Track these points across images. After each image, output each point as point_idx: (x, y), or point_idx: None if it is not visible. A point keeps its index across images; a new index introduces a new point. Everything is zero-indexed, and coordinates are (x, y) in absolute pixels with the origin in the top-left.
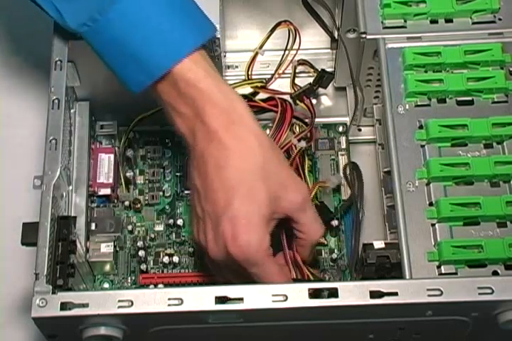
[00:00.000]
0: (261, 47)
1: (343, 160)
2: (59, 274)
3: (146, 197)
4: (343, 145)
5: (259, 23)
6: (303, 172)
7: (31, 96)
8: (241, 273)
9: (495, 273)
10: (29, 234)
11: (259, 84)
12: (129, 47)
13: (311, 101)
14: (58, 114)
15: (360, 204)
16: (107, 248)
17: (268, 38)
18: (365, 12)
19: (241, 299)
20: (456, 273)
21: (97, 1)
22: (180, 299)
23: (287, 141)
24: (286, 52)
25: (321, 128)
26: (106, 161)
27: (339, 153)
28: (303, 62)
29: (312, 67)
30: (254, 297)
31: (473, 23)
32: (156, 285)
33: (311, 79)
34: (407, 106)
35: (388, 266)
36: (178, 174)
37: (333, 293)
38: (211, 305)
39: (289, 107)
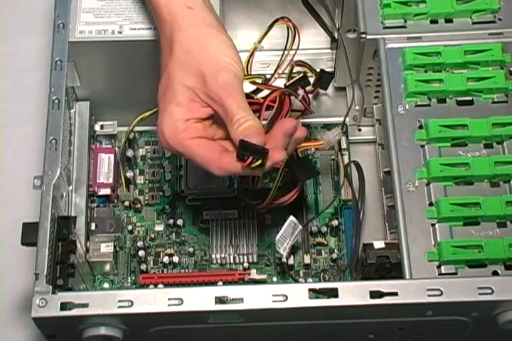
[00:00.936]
0: (260, 41)
1: (343, 160)
2: (59, 274)
3: (146, 197)
4: (343, 145)
5: (258, 23)
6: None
7: (31, 96)
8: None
9: (495, 273)
10: (29, 234)
11: (257, 80)
12: None
13: (305, 90)
14: (58, 114)
15: (362, 203)
16: (107, 248)
17: (266, 33)
18: (365, 12)
19: (241, 299)
20: (456, 273)
21: None
22: (180, 299)
23: None
24: (286, 51)
25: (321, 128)
26: (106, 161)
27: (339, 153)
28: (301, 64)
29: (310, 68)
30: (254, 297)
31: (473, 23)
32: (156, 285)
33: (310, 80)
34: (407, 106)
35: (388, 266)
36: (178, 174)
37: (333, 293)
38: (211, 305)
39: (288, 99)
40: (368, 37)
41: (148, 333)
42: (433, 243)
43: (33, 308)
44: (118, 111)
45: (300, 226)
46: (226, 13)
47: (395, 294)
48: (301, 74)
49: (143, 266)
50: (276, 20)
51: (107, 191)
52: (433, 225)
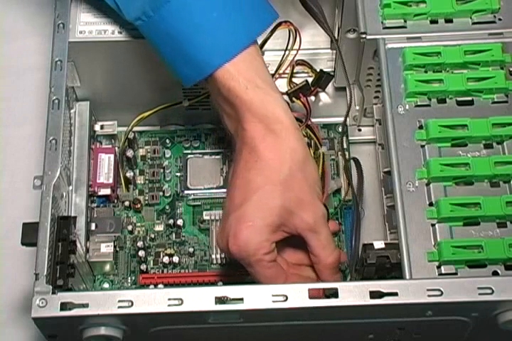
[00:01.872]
0: (261, 47)
1: (343, 160)
2: (59, 274)
3: (146, 197)
4: (343, 145)
5: None
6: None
7: (31, 96)
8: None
9: (495, 274)
10: (29, 234)
11: None
12: (180, 43)
13: (307, 99)
14: (58, 114)
15: (360, 200)
16: (107, 248)
17: (268, 38)
18: (365, 12)
19: (241, 299)
20: (456, 274)
21: None
22: (181, 299)
23: None
24: (287, 52)
25: (321, 128)
26: (106, 161)
27: (339, 153)
28: (301, 63)
29: (311, 67)
30: (254, 297)
31: (473, 23)
32: (156, 286)
33: (310, 80)
34: (407, 106)
35: (388, 266)
36: (178, 174)
37: (333, 293)
38: (211, 305)
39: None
40: (368, 37)
41: (148, 333)
42: (433, 243)
43: (33, 308)
44: (118, 111)
45: None
46: None
47: (395, 294)
48: (304, 82)
49: (143, 266)
50: (278, 25)
51: (107, 191)
52: (433, 225)
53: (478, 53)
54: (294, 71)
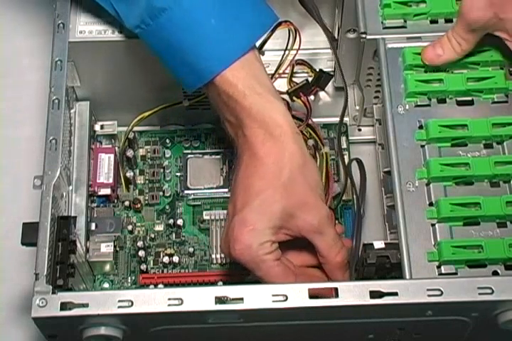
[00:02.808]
0: (261, 47)
1: (343, 161)
2: (59, 274)
3: (146, 197)
4: (343, 145)
5: None
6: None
7: (31, 96)
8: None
9: (495, 273)
10: (29, 234)
11: None
12: (179, 50)
13: (307, 98)
14: (58, 114)
15: (362, 200)
16: (107, 248)
17: (268, 38)
18: (365, 12)
19: (241, 299)
20: (456, 273)
21: (148, 7)
22: (181, 299)
23: None
24: (287, 52)
25: (321, 128)
26: (106, 161)
27: (339, 153)
28: (301, 62)
29: (310, 67)
30: (254, 297)
31: None
32: (156, 285)
33: (309, 79)
34: (407, 106)
35: (388, 266)
36: (178, 174)
37: (335, 293)
38: (211, 305)
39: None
40: (368, 37)
41: (148, 333)
42: (433, 243)
43: (33, 308)
44: (118, 111)
45: None
46: None
47: (395, 294)
48: (304, 82)
49: (143, 266)
50: (278, 25)
51: (107, 191)
52: (433, 225)
53: (478, 53)
54: (294, 71)
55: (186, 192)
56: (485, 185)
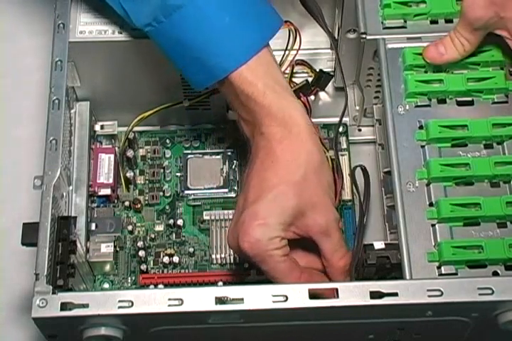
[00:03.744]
0: None
1: (343, 161)
2: (59, 274)
3: (146, 197)
4: (343, 146)
5: None
6: None
7: (31, 96)
8: (259, 268)
9: (495, 274)
10: (29, 234)
11: None
12: (192, 48)
13: (307, 98)
14: (58, 115)
15: (366, 207)
16: (107, 248)
17: None
18: (365, 12)
19: (241, 299)
20: (456, 274)
21: (162, 5)
22: (181, 299)
23: None
24: (287, 52)
25: (321, 128)
26: (106, 161)
27: (339, 153)
28: (301, 62)
29: (310, 67)
30: (255, 297)
31: None
32: (156, 286)
33: (309, 79)
34: (407, 107)
35: (388, 267)
36: (178, 174)
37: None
38: (211, 306)
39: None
40: (368, 37)
41: (148, 333)
42: (433, 243)
43: (33, 308)
44: (118, 111)
45: None
46: None
47: (395, 294)
48: (304, 82)
49: (143, 266)
50: None
51: (107, 191)
52: (433, 225)
53: (478, 53)
54: (294, 71)
55: (186, 192)
56: (485, 185)
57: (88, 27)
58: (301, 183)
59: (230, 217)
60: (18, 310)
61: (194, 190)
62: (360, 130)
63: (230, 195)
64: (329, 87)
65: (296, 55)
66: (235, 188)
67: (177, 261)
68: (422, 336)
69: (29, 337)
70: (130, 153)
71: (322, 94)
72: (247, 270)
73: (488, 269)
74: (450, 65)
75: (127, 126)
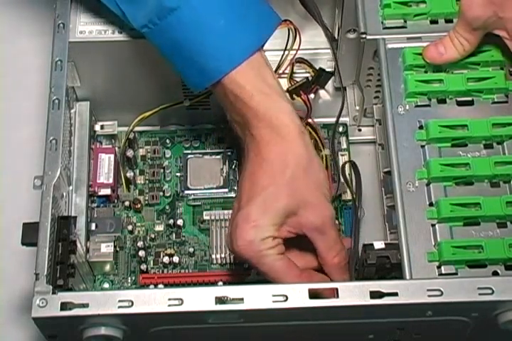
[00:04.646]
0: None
1: (343, 161)
2: (59, 274)
3: (146, 197)
4: (343, 146)
5: None
6: None
7: (31, 96)
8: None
9: (495, 274)
10: (29, 234)
11: None
12: (186, 50)
13: (307, 96)
14: (58, 115)
15: (359, 203)
16: (107, 248)
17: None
18: (365, 12)
19: (241, 299)
20: (456, 274)
21: (157, 7)
22: (181, 299)
23: None
24: (286, 52)
25: (321, 128)
26: (106, 161)
27: (339, 153)
28: (301, 60)
29: (310, 65)
30: (255, 297)
31: None
32: (156, 286)
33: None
34: (407, 107)
35: (388, 267)
36: (178, 174)
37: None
38: (211, 306)
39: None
40: (368, 37)
41: (148, 333)
42: (433, 243)
43: (33, 308)
44: (118, 111)
45: None
46: None
47: (395, 294)
48: (304, 80)
49: (143, 266)
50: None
51: (107, 191)
52: (433, 225)
53: (478, 53)
54: (294, 70)
55: (186, 192)
56: (485, 185)
57: (88, 27)
58: (290, 183)
59: (230, 216)
60: (18, 310)
61: (194, 190)
62: (360, 130)
63: (230, 195)
64: (329, 86)
65: (295, 54)
66: (235, 188)
67: (177, 261)
68: (422, 336)
69: (29, 337)
70: (130, 153)
71: (322, 93)
72: (247, 270)
73: (488, 269)
74: (450, 64)
75: (127, 126)
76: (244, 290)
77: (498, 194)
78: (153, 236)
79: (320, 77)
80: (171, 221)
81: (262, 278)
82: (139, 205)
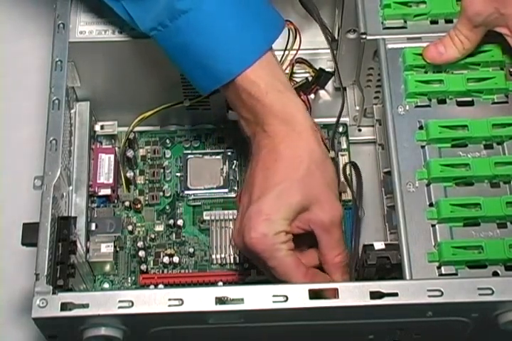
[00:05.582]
0: None
1: (343, 161)
2: (59, 274)
3: (147, 198)
4: (343, 146)
5: None
6: None
7: (31, 96)
8: (265, 268)
9: (495, 274)
10: (29, 234)
11: None
12: (197, 52)
13: (307, 97)
14: (58, 115)
15: (359, 203)
16: (107, 248)
17: None
18: (365, 12)
19: (241, 299)
20: (456, 274)
21: (168, 9)
22: (181, 299)
23: None
24: (286, 52)
25: (322, 128)
26: (106, 161)
27: (339, 153)
28: (301, 60)
29: (310, 65)
30: (255, 297)
31: None
32: (156, 286)
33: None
34: (407, 107)
35: (388, 267)
36: (178, 174)
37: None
38: (211, 306)
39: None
40: (368, 37)
41: (148, 333)
42: (433, 243)
43: (34, 308)
44: (118, 112)
45: None
46: None
47: (395, 295)
48: (304, 80)
49: (143, 267)
50: None
51: (107, 191)
52: (433, 226)
53: (478, 54)
54: (294, 71)
55: (186, 192)
56: (485, 185)
57: (88, 27)
58: (304, 179)
59: (230, 217)
60: (18, 310)
61: (194, 190)
62: (360, 130)
63: (230, 195)
64: (329, 87)
65: (296, 54)
66: (235, 188)
67: (177, 261)
68: (422, 336)
69: (29, 337)
70: (130, 153)
71: (322, 94)
72: (247, 270)
73: (488, 269)
74: (450, 65)
75: (127, 126)
76: (245, 291)
77: (498, 194)
78: (153, 236)
79: (320, 77)
80: (171, 221)
81: (262, 278)
82: (139, 205)
